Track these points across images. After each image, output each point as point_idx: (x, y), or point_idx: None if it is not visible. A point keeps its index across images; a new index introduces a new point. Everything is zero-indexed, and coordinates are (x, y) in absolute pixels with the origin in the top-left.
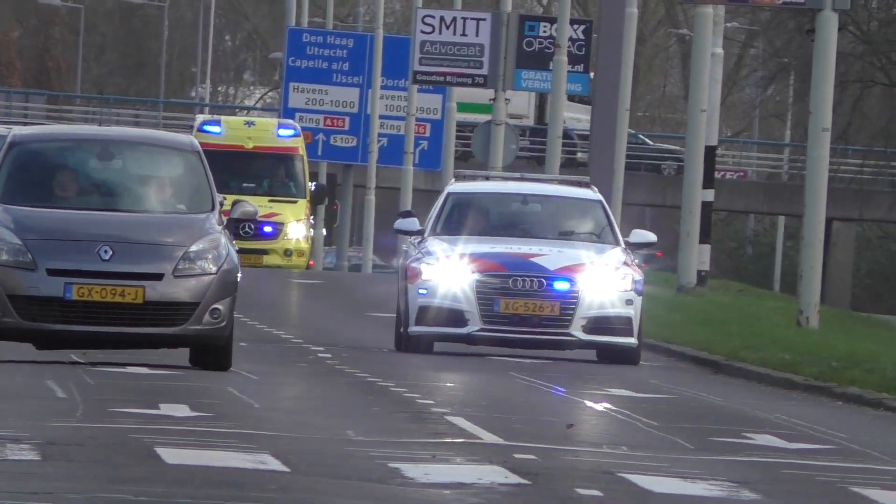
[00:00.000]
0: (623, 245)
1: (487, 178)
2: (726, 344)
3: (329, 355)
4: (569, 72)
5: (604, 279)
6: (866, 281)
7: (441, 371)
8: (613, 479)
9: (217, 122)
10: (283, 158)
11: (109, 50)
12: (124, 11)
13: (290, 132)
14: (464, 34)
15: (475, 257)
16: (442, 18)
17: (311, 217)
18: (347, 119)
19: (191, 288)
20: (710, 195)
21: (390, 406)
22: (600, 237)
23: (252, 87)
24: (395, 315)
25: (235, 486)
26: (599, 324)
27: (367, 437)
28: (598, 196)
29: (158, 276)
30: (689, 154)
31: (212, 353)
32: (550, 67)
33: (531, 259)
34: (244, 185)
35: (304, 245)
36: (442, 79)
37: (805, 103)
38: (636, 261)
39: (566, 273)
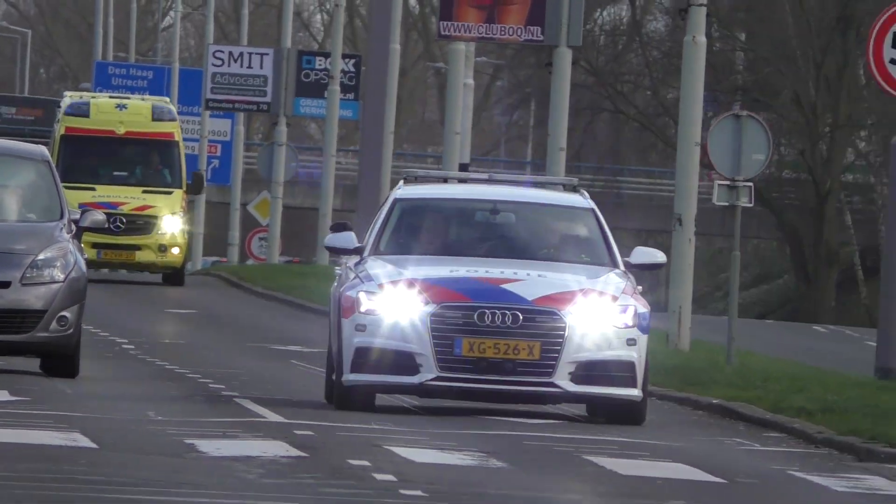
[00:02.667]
0: (622, 267)
1: (445, 180)
2: None
3: (132, 346)
4: (341, 99)
5: (598, 312)
6: None
7: (229, 357)
8: (380, 451)
9: (85, 104)
10: (157, 145)
11: None
12: None
13: (166, 116)
14: (249, 66)
15: (430, 284)
16: (230, 53)
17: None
18: None
19: (39, 295)
20: None
21: (186, 390)
22: (593, 256)
23: None
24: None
25: (50, 461)
26: (592, 370)
27: (166, 418)
28: (590, 203)
29: (6, 284)
30: (445, 171)
31: (59, 360)
32: (325, 96)
33: (503, 286)
34: (115, 173)
35: (181, 240)
36: (231, 105)
37: (544, 127)
38: (639, 288)
39: (549, 304)
